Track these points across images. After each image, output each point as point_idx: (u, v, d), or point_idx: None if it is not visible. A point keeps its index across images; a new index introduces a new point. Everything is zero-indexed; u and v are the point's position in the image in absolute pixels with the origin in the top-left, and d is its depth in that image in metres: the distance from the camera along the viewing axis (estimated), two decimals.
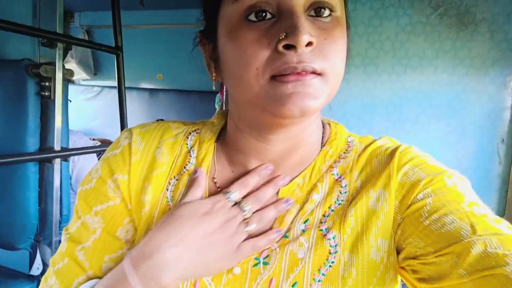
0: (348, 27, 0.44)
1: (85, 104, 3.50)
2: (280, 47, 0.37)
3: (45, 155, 1.23)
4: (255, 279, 0.42)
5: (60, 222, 1.32)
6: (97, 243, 0.46)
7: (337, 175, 0.47)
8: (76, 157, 1.55)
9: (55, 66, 1.24)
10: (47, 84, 1.24)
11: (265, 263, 0.43)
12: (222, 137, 0.52)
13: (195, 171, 0.47)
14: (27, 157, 1.20)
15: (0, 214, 1.24)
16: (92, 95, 3.55)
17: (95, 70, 3.49)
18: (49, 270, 0.47)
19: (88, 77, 3.43)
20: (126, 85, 1.57)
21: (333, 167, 0.47)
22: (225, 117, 0.54)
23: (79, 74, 3.34)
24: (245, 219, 0.44)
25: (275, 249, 0.43)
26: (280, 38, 0.37)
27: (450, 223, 0.38)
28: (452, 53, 0.94)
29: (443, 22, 0.95)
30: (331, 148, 0.49)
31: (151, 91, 3.35)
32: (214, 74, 0.47)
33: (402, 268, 0.42)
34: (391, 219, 0.42)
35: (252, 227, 0.44)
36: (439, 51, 0.95)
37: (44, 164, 1.26)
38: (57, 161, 1.27)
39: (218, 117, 0.54)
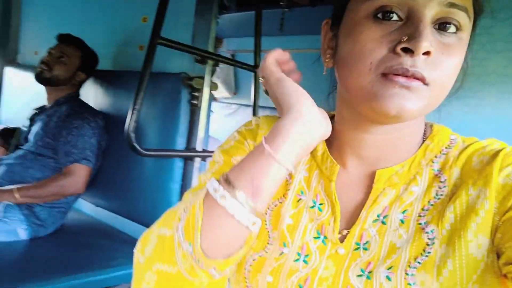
0: (468, 46, 0.45)
1: (225, 119, 3.91)
2: (398, 49, 0.40)
3: (190, 154, 1.45)
4: (355, 259, 0.46)
5: None
6: None
7: (437, 170, 0.47)
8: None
9: (204, 79, 1.46)
10: (196, 94, 1.46)
11: (365, 249, 0.46)
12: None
13: None
14: (176, 153, 1.43)
15: (147, 199, 1.49)
16: (230, 111, 3.94)
17: (235, 89, 3.88)
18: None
19: (229, 96, 3.84)
20: (261, 104, 1.73)
21: (433, 162, 0.48)
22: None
23: (222, 93, 3.77)
24: None
25: (374, 235, 0.46)
26: (402, 40, 0.40)
27: None
28: None
29: None
30: (432, 142, 0.49)
31: None
32: (327, 60, 0.51)
33: (504, 276, 0.39)
34: (491, 218, 0.41)
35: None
36: None
37: (188, 162, 1.47)
38: (197, 160, 1.48)
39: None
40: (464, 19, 0.42)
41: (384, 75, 0.41)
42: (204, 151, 1.49)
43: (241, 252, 0.43)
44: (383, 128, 0.47)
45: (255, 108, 1.71)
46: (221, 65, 1.62)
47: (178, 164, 1.46)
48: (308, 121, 0.44)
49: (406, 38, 0.39)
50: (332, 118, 0.54)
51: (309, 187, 0.53)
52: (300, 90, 0.47)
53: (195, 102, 1.46)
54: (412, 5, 0.40)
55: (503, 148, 0.44)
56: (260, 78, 0.52)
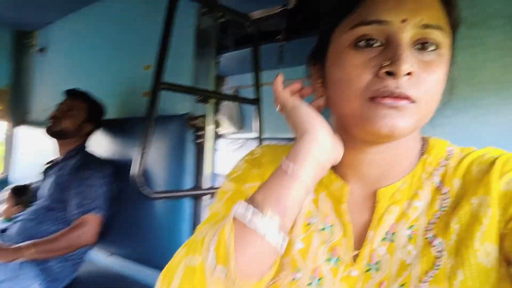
0: (452, 63, 0.47)
1: (232, 155, 3.93)
2: (382, 73, 0.42)
3: (198, 192, 1.45)
4: (367, 281, 0.46)
5: None
6: None
7: (438, 182, 0.48)
8: None
9: (207, 118, 1.49)
10: (201, 133, 1.49)
11: (377, 269, 0.46)
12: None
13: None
14: (184, 193, 1.43)
15: (159, 242, 1.48)
16: (237, 146, 3.96)
17: (241, 124, 3.93)
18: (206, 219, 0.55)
19: (235, 131, 3.88)
20: (267, 135, 1.74)
21: (433, 175, 0.49)
22: None
23: (228, 129, 3.82)
24: None
25: (384, 254, 0.46)
26: (383, 65, 0.42)
27: None
28: None
29: None
30: (430, 156, 0.50)
31: (289, 140, 3.55)
32: (319, 89, 0.53)
33: None
34: (496, 225, 0.42)
35: None
36: None
37: (197, 200, 1.47)
38: (206, 198, 1.48)
39: None
40: (440, 37, 0.43)
41: (372, 98, 0.43)
42: (211, 188, 1.49)
43: (270, 274, 0.45)
44: (379, 147, 0.48)
45: (260, 141, 1.73)
46: (225, 101, 1.66)
47: (187, 203, 1.46)
48: (323, 146, 0.47)
49: (388, 62, 0.42)
50: None
51: (317, 209, 0.53)
52: (315, 116, 0.49)
53: (200, 141, 1.48)
54: (389, 31, 0.43)
55: (501, 155, 0.45)
56: (277, 108, 0.54)
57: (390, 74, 0.42)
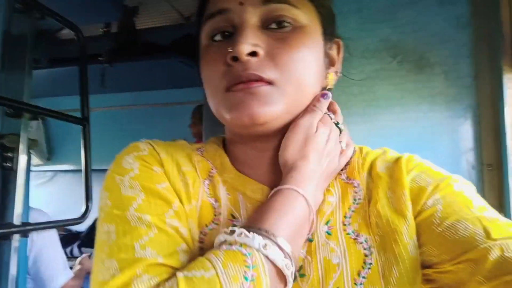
0: (328, 36, 0.47)
1: (37, 190, 3.28)
2: (228, 59, 0.41)
3: (3, 230, 1.11)
4: None
5: None
6: (180, 207, 0.42)
7: (345, 177, 0.47)
8: (35, 235, 1.40)
9: (20, 136, 1.19)
10: (10, 155, 1.17)
11: (301, 275, 0.41)
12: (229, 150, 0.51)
13: None
14: None
15: None
16: (44, 180, 3.35)
17: (48, 154, 3.35)
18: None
19: (41, 162, 3.27)
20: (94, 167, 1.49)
21: (340, 174, 0.48)
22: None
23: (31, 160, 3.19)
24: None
25: (306, 257, 0.42)
26: (229, 51, 0.40)
27: (463, 229, 0.38)
28: (415, 93, 1.06)
29: (403, 67, 1.08)
30: None
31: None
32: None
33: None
34: (413, 219, 0.42)
35: (344, 143, 0.48)
36: (403, 92, 1.07)
37: (2, 241, 1.12)
38: (16, 237, 1.15)
39: (215, 138, 0.54)
40: (290, 10, 0.42)
41: (228, 88, 0.41)
42: (24, 224, 1.18)
43: None
44: (266, 143, 0.46)
45: (87, 171, 1.45)
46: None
47: None
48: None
49: (230, 48, 0.40)
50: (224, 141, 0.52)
51: (239, 213, 0.45)
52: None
53: (8, 164, 1.16)
54: (232, 18, 0.42)
55: (402, 155, 0.47)
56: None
57: (235, 59, 0.40)
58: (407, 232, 0.41)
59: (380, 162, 0.47)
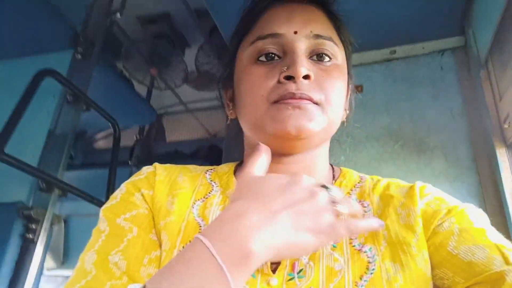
0: (350, 77, 0.54)
1: None
2: (282, 78, 0.46)
3: None
4: None
5: None
6: (135, 240, 0.44)
7: (357, 200, 0.50)
8: None
9: (47, 210, 1.27)
10: (33, 226, 1.23)
11: (300, 276, 0.42)
12: (239, 169, 0.55)
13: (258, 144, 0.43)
14: None
15: None
16: (54, 285, 3.24)
17: (63, 257, 3.31)
18: None
19: (54, 266, 3.21)
20: None
21: (350, 194, 0.51)
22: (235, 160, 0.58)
23: (46, 263, 3.15)
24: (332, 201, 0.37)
25: (308, 263, 0.43)
26: (283, 71, 0.46)
27: (481, 253, 0.39)
28: (418, 173, 1.10)
29: (405, 150, 1.14)
30: (344, 179, 0.53)
31: None
32: (231, 112, 0.55)
33: None
34: (424, 236, 0.43)
35: (343, 208, 0.36)
36: (406, 172, 1.11)
37: None
38: None
39: (228, 163, 0.58)
40: (333, 48, 0.49)
41: (276, 102, 0.46)
42: None
43: None
44: (293, 157, 0.49)
45: None
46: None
47: None
48: None
49: (286, 68, 0.46)
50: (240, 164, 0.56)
51: None
52: None
53: (30, 236, 1.22)
54: (284, 43, 0.48)
55: (417, 182, 0.50)
56: None
57: (289, 78, 0.45)
58: (415, 245, 0.42)
59: (393, 186, 0.50)
